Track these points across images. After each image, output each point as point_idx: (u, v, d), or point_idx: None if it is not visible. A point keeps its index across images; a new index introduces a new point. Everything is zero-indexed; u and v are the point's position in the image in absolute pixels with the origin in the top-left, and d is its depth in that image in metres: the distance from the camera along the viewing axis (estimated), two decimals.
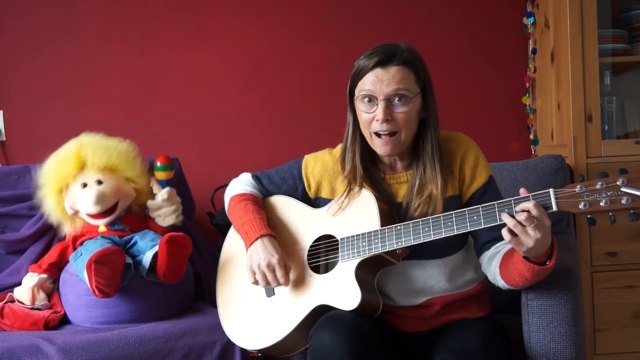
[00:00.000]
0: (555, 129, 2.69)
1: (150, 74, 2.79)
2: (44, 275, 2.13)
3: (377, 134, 1.70)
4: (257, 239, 1.77)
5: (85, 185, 2.13)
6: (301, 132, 2.83)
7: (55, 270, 2.16)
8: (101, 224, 2.15)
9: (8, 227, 2.29)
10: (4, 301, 2.12)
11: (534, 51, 2.84)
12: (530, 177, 2.29)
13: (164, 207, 2.20)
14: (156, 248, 1.99)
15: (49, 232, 2.27)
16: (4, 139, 2.72)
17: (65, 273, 2.12)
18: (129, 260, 1.97)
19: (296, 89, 2.84)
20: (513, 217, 1.49)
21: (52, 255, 2.18)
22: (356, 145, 1.77)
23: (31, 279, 2.12)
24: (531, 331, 1.72)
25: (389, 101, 1.66)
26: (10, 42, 2.72)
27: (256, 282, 1.77)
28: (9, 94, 2.73)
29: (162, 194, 2.20)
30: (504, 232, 1.48)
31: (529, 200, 1.49)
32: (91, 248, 2.00)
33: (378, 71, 1.67)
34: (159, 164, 2.25)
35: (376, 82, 1.67)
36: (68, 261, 2.12)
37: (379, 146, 1.71)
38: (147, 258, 2.00)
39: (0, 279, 2.21)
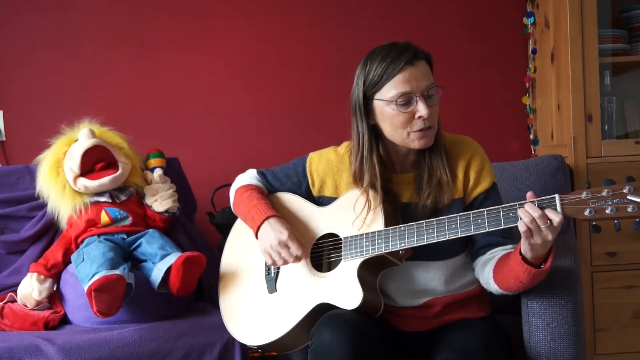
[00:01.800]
0: (555, 129, 2.69)
1: (150, 73, 2.79)
2: (51, 281, 2.12)
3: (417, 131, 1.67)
4: (263, 221, 1.77)
5: (77, 140, 2.17)
6: (301, 131, 2.83)
7: (59, 271, 2.15)
8: (103, 186, 2.12)
9: (7, 229, 2.29)
10: (4, 301, 2.12)
11: (534, 51, 2.84)
12: (530, 177, 2.29)
13: (160, 191, 2.20)
14: (169, 262, 1.98)
15: (48, 233, 2.26)
16: (4, 139, 2.72)
17: (66, 273, 2.12)
18: (129, 279, 1.95)
19: (296, 88, 2.84)
20: (529, 213, 1.47)
21: (56, 255, 2.15)
22: (373, 154, 1.73)
23: (41, 287, 2.09)
24: (531, 331, 1.72)
25: (424, 96, 1.65)
26: (10, 42, 2.73)
27: (274, 263, 1.76)
28: (9, 94, 2.73)
29: (155, 174, 2.22)
30: (520, 224, 1.47)
31: (535, 204, 1.48)
32: (93, 255, 1.99)
33: (410, 69, 1.64)
34: (150, 153, 2.28)
35: (411, 79, 1.64)
36: (71, 261, 2.11)
37: (417, 140, 1.68)
38: (159, 271, 1.99)
39: (0, 279, 2.21)
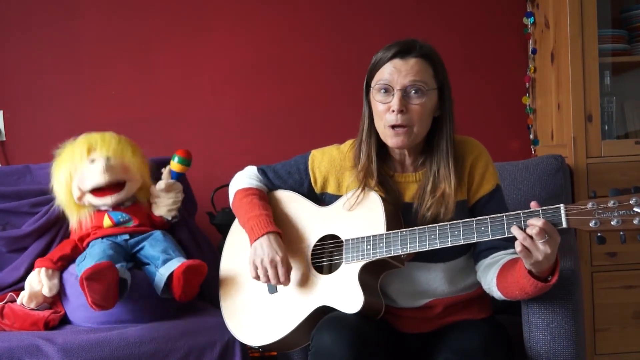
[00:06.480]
0: (555, 129, 2.69)
1: (150, 74, 2.79)
2: (58, 275, 2.11)
3: (390, 126, 1.68)
4: (262, 235, 1.76)
5: (93, 161, 2.13)
6: (300, 132, 2.83)
7: (66, 263, 2.14)
8: (106, 204, 2.13)
9: (9, 225, 2.27)
10: (4, 301, 2.11)
11: (534, 51, 2.85)
12: (530, 177, 2.29)
13: (161, 197, 2.20)
14: (171, 268, 1.98)
15: (52, 229, 2.24)
16: (4, 139, 2.72)
17: (66, 273, 2.12)
18: (124, 275, 1.94)
19: (294, 89, 2.84)
20: (523, 230, 1.47)
21: (64, 248, 2.14)
22: (372, 139, 1.76)
23: (50, 283, 2.08)
24: (531, 331, 1.72)
25: (405, 92, 1.66)
26: (10, 42, 2.72)
27: (257, 277, 1.76)
28: (9, 94, 2.73)
29: (163, 183, 2.20)
30: (517, 244, 1.47)
31: (539, 216, 1.47)
32: (94, 252, 1.99)
33: (396, 62, 1.67)
34: (177, 156, 2.25)
35: (394, 72, 1.66)
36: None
37: (390, 137, 1.69)
38: (161, 276, 1.98)
39: (0, 277, 2.20)
